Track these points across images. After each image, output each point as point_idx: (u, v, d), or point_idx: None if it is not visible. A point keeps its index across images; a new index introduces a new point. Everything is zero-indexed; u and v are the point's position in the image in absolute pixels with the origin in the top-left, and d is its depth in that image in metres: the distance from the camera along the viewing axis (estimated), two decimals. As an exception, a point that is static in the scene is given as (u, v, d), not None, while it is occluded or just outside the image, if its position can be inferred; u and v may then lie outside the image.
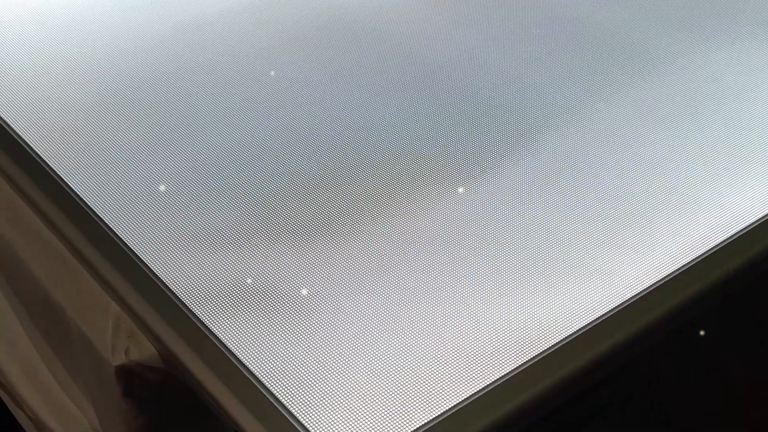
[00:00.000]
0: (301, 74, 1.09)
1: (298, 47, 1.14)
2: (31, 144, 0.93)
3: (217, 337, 0.74)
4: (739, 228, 0.88)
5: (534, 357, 0.74)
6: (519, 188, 0.92)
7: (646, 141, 1.00)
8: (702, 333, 1.03)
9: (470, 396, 0.70)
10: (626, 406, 1.12)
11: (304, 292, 0.79)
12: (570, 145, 0.99)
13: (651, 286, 0.81)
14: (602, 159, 0.97)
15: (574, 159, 0.97)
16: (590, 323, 0.77)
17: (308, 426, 0.67)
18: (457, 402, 0.70)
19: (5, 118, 0.97)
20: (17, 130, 0.95)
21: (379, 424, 0.68)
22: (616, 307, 0.79)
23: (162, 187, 0.90)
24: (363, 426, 0.68)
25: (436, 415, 0.68)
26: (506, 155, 0.97)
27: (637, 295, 0.80)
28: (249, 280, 0.80)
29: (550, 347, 0.75)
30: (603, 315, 0.78)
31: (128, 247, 0.82)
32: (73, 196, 0.87)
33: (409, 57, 1.13)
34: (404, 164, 0.95)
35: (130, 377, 0.79)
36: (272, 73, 1.09)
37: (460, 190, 0.92)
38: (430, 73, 1.10)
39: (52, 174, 0.90)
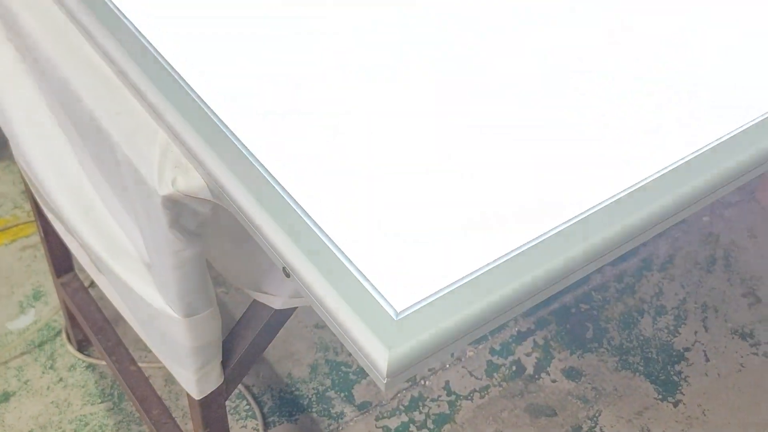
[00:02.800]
0: None
1: None
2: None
3: (265, 167, 0.71)
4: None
5: (596, 205, 0.70)
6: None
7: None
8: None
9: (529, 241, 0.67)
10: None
11: (348, 114, 0.75)
12: None
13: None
14: None
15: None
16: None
17: (354, 260, 0.65)
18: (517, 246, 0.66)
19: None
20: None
21: (422, 265, 0.65)
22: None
23: (220, 15, 0.86)
24: (405, 260, 0.65)
25: (483, 264, 0.65)
26: None
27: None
28: (293, 110, 0.76)
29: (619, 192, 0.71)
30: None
31: (177, 72, 0.79)
32: (123, 19, 0.84)
33: None
34: None
35: (177, 208, 0.77)
36: None
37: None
38: None
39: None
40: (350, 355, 1.75)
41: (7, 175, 2.05)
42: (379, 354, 0.60)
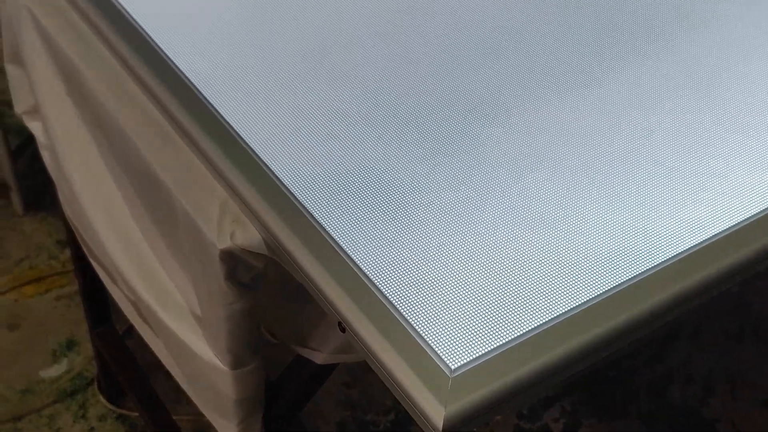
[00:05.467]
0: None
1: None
2: (143, 25, 0.92)
3: (322, 225, 0.73)
4: None
5: (652, 267, 0.71)
6: (638, 94, 0.88)
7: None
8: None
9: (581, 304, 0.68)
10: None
11: (411, 184, 0.77)
12: (694, 50, 0.94)
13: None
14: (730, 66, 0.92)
15: (697, 66, 0.92)
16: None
17: (408, 316, 0.66)
18: (568, 309, 0.68)
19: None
20: (131, 12, 0.94)
21: (477, 323, 0.66)
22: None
23: (272, 72, 0.89)
24: (460, 318, 0.66)
25: (540, 323, 0.67)
26: (627, 60, 0.93)
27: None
28: (355, 171, 0.78)
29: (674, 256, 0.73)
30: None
31: (236, 131, 0.81)
32: (182, 77, 0.87)
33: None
34: (517, 66, 0.92)
35: (233, 261, 0.79)
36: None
37: (580, 92, 0.88)
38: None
39: (161, 54, 0.89)
40: (378, 414, 1.75)
41: (44, 226, 2.08)
42: (434, 411, 0.62)
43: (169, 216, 0.86)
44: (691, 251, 0.73)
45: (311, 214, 0.74)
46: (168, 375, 1.11)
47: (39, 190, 2.12)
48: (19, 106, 1.21)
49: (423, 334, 0.65)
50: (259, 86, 0.87)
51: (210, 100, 0.84)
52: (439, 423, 0.61)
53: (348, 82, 0.89)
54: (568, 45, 0.96)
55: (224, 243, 0.78)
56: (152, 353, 1.12)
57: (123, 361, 1.52)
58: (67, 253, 2.00)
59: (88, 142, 1.03)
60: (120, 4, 0.95)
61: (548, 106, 0.87)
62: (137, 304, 1.03)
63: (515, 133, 0.84)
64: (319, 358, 0.97)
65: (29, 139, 2.14)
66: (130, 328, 1.69)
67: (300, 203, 0.75)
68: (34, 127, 1.20)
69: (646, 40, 0.97)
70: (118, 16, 0.93)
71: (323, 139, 0.82)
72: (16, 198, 2.07)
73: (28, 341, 1.83)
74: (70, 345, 1.82)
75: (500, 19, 0.99)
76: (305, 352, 0.98)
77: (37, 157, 2.10)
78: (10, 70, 1.19)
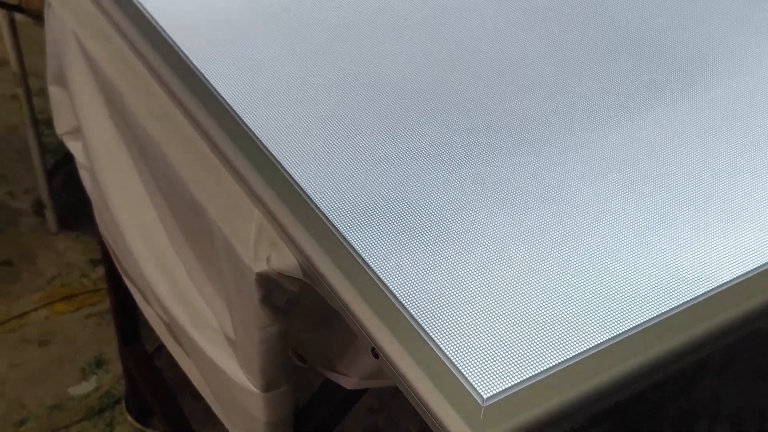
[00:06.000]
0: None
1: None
2: (187, 53, 0.94)
3: (357, 251, 0.74)
4: None
5: (679, 305, 0.72)
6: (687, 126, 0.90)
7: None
8: None
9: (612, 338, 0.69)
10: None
11: (446, 212, 0.79)
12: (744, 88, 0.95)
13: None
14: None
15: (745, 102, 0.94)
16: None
17: (442, 344, 0.67)
18: (596, 344, 0.68)
19: (163, 26, 0.98)
20: (174, 38, 0.97)
21: (510, 353, 0.67)
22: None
23: (311, 99, 0.90)
24: (493, 347, 0.67)
25: (573, 354, 0.67)
26: (676, 93, 0.94)
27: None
28: (391, 198, 0.80)
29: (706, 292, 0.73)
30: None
31: (274, 157, 0.83)
32: (223, 102, 0.89)
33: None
34: (562, 96, 0.93)
35: (269, 285, 0.81)
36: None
37: (627, 124, 0.90)
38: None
39: (204, 81, 0.91)
40: (403, 441, 1.75)
41: (77, 245, 2.11)
42: (465, 438, 0.62)
43: (207, 239, 0.88)
44: (724, 287, 0.74)
45: (346, 239, 0.75)
46: (196, 395, 1.12)
47: (73, 209, 2.15)
48: (61, 127, 1.24)
49: (456, 363, 0.66)
50: (298, 114, 0.89)
51: (250, 127, 0.86)
52: (470, 451, 0.62)
53: (386, 112, 0.90)
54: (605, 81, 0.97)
55: (260, 267, 0.79)
56: (180, 373, 1.14)
57: (151, 380, 1.54)
58: (99, 271, 2.02)
59: (128, 164, 1.05)
60: (165, 31, 0.97)
61: (592, 140, 0.88)
62: (170, 324, 1.05)
63: (552, 165, 0.85)
64: (349, 383, 0.98)
65: (65, 159, 2.18)
66: (159, 348, 1.71)
67: (335, 228, 0.76)
68: (74, 147, 1.22)
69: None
70: (163, 44, 0.96)
71: (361, 166, 0.83)
72: (50, 216, 2.10)
73: (57, 358, 1.85)
74: (99, 363, 1.84)
75: (550, 55, 1.00)
76: (334, 377, 0.98)
77: (72, 177, 2.14)
78: (53, 91, 1.21)
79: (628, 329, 0.69)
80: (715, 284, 0.74)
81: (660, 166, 0.86)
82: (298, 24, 1.02)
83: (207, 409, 1.10)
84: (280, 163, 0.82)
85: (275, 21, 1.02)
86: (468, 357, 0.66)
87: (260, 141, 0.84)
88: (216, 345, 0.95)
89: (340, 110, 0.90)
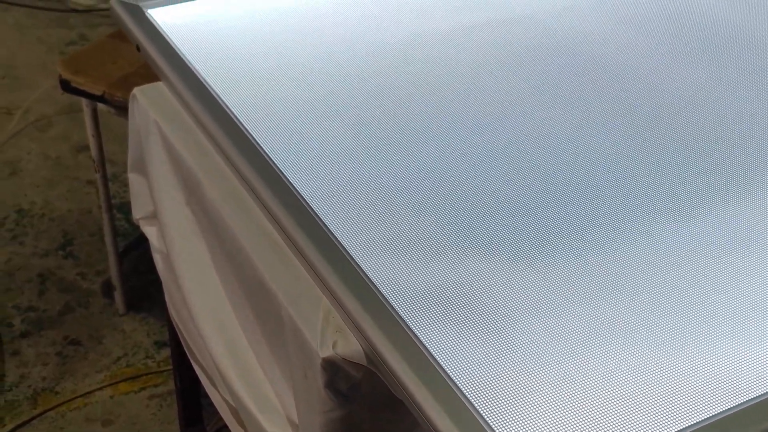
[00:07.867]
0: (517, 96, 1.11)
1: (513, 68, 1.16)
2: (263, 145, 1.00)
3: (421, 341, 0.77)
4: None
5: (741, 404, 0.72)
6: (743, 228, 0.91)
7: None
8: None
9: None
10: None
11: (513, 306, 0.81)
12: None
13: None
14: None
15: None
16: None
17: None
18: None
19: (239, 116, 1.04)
20: (247, 127, 1.02)
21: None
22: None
23: (378, 192, 0.94)
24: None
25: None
26: (731, 193, 0.96)
27: None
28: (458, 289, 0.82)
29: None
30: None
31: (342, 245, 0.86)
32: (296, 194, 0.93)
33: (625, 83, 1.14)
34: (621, 193, 0.95)
35: (333, 370, 0.83)
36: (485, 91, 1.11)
37: (685, 222, 0.92)
38: (649, 101, 1.10)
39: (277, 170, 0.96)
40: None
41: (143, 326, 2.16)
42: None
43: (276, 323, 0.91)
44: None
45: (410, 328, 0.78)
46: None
47: (140, 292, 2.20)
48: (137, 212, 1.29)
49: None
50: (366, 205, 0.92)
51: (321, 217, 0.90)
52: None
53: (451, 207, 0.93)
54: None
55: (326, 352, 0.81)
56: (241, 457, 1.15)
57: (211, 463, 1.56)
58: (163, 353, 2.06)
59: (202, 249, 1.10)
60: (243, 125, 1.02)
61: (659, 235, 0.90)
62: (236, 406, 1.07)
63: (615, 262, 0.87)
64: (407, 471, 0.99)
65: (135, 243, 2.25)
66: (220, 429, 1.73)
67: (400, 317, 0.79)
68: (150, 232, 1.27)
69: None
70: (241, 137, 1.01)
71: (427, 256, 0.86)
72: (119, 298, 2.16)
73: (120, 438, 1.88)
74: (160, 444, 1.87)
75: (621, 152, 1.03)
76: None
77: (140, 261, 2.21)
78: (132, 178, 1.27)
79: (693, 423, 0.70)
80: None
81: None
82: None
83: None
84: (348, 252, 0.86)
85: (340, 117, 1.07)
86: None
87: (330, 230, 0.88)
88: (280, 429, 0.97)
89: (410, 205, 0.93)
